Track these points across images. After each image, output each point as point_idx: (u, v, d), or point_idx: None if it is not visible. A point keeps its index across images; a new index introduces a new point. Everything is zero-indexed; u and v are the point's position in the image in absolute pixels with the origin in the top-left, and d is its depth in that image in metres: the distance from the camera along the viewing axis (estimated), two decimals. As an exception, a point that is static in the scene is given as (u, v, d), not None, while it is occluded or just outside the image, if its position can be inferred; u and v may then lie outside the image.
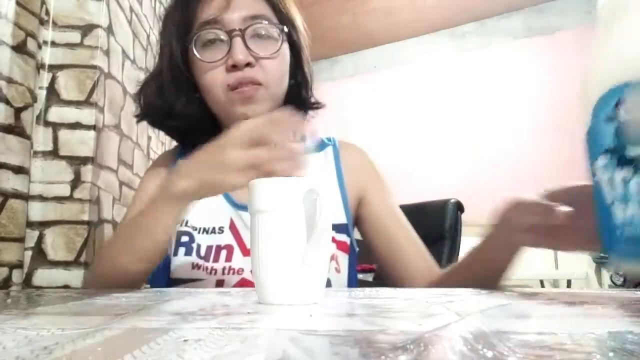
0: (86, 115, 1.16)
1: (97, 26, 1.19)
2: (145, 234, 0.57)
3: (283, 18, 0.72)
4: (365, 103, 4.19)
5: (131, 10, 1.42)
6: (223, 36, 0.67)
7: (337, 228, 0.74)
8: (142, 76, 1.54)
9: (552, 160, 3.73)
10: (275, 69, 0.69)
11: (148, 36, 1.61)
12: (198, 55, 0.68)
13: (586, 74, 0.37)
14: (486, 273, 0.60)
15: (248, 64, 0.66)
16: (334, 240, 0.73)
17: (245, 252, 0.70)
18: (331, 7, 3.54)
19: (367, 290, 0.53)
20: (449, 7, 3.81)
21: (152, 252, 0.58)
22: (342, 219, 0.75)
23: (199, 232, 0.73)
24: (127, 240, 0.60)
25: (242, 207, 0.73)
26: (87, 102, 1.16)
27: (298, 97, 0.77)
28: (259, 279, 0.42)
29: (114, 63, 1.28)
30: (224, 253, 0.71)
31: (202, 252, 0.71)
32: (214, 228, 0.73)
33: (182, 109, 0.73)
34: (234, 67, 0.66)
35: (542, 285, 3.38)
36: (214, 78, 0.68)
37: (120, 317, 0.32)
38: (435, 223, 1.65)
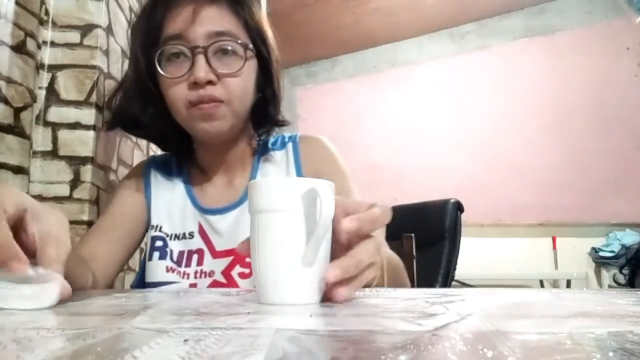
0: (86, 115, 1.16)
1: (97, 26, 1.18)
2: None
3: (252, 33, 0.71)
4: (365, 103, 4.19)
5: (131, 10, 1.42)
6: (186, 52, 0.66)
7: None
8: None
9: (551, 160, 3.73)
10: (237, 87, 0.68)
11: (148, 36, 1.61)
12: (161, 71, 0.67)
13: None
14: None
15: (210, 82, 0.66)
16: None
17: (215, 254, 0.72)
18: (331, 7, 3.54)
19: (367, 290, 0.53)
20: (449, 7, 3.81)
21: None
22: None
23: (170, 238, 0.75)
24: None
25: (209, 211, 0.75)
26: (86, 102, 1.15)
27: (264, 112, 0.77)
28: (258, 279, 0.41)
29: (113, 63, 1.28)
30: (195, 257, 0.73)
31: (175, 257, 0.73)
32: (184, 233, 0.75)
33: (149, 120, 0.74)
34: (196, 84, 0.65)
35: (542, 285, 3.38)
36: (176, 94, 0.67)
37: (120, 317, 0.32)
38: (435, 223, 1.65)
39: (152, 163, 0.84)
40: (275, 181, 0.43)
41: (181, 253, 0.73)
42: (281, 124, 0.80)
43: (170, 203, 0.78)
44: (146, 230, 0.79)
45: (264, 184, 0.42)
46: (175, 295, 0.50)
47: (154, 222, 0.77)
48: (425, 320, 0.29)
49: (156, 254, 0.73)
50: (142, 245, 0.84)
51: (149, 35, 0.68)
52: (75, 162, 1.13)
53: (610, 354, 0.21)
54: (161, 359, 0.21)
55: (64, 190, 1.12)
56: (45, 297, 0.39)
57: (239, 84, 0.68)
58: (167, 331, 0.26)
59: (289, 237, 0.40)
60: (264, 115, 0.77)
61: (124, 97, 0.75)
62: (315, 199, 0.39)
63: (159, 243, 0.74)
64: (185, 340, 0.24)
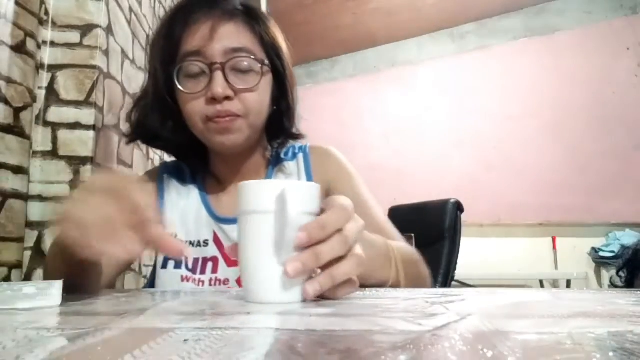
0: (85, 115, 1.16)
1: (97, 26, 1.18)
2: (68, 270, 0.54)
3: (267, 48, 0.73)
4: (365, 103, 4.19)
5: (130, 10, 1.42)
6: (204, 68, 0.68)
7: None
8: (141, 76, 1.54)
9: (551, 160, 3.74)
10: (254, 102, 0.70)
11: (147, 36, 1.61)
12: (180, 87, 0.69)
13: None
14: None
15: (227, 97, 0.67)
16: None
17: (230, 263, 0.73)
18: (331, 7, 3.54)
19: (367, 290, 0.53)
20: (449, 7, 3.81)
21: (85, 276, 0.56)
22: None
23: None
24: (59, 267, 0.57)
25: (224, 220, 0.76)
26: (86, 102, 1.15)
27: (279, 125, 0.78)
28: (243, 278, 0.43)
29: (113, 63, 1.28)
30: (210, 265, 0.74)
31: (190, 264, 0.74)
32: (199, 241, 0.75)
33: (169, 133, 0.75)
34: (214, 100, 0.67)
35: (542, 285, 3.38)
36: (194, 109, 0.69)
37: (120, 317, 0.32)
38: (435, 223, 1.66)
39: (165, 169, 0.85)
40: (252, 184, 0.43)
41: (196, 260, 0.74)
42: (296, 137, 0.82)
43: (185, 210, 0.79)
44: None
45: (243, 186, 0.42)
46: (175, 295, 0.50)
47: (169, 230, 0.77)
48: (425, 320, 0.29)
49: (171, 263, 0.74)
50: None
51: (168, 52, 0.70)
52: (75, 162, 1.13)
53: (610, 354, 0.21)
54: (161, 359, 0.21)
55: (64, 190, 1.12)
56: (47, 296, 0.39)
57: (255, 98, 0.70)
58: (167, 331, 0.26)
59: (263, 238, 0.40)
60: (279, 127, 0.79)
61: (144, 112, 0.76)
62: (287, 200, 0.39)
63: None
64: (185, 340, 0.24)
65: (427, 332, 0.26)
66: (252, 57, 0.69)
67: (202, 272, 0.73)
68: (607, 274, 3.43)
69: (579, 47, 3.84)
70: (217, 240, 0.75)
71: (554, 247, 3.64)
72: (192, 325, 0.29)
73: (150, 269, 0.90)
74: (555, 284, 3.52)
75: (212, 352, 0.21)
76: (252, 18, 0.72)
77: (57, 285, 0.40)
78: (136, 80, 1.49)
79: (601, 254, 3.46)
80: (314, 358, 0.21)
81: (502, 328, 0.27)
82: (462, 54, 4.09)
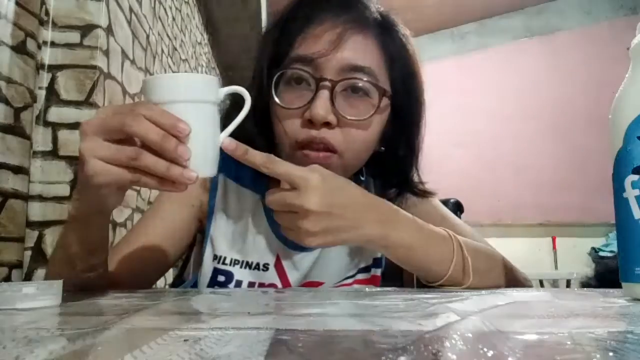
0: (86, 115, 1.16)
1: (97, 26, 1.18)
2: (81, 229, 0.50)
3: (396, 75, 0.60)
4: (365, 103, 4.19)
5: (131, 10, 1.42)
6: (311, 81, 0.55)
7: (375, 263, 0.69)
8: (141, 76, 1.54)
9: (550, 160, 3.74)
10: (359, 139, 0.56)
11: (147, 36, 1.61)
12: (275, 98, 0.56)
13: (618, 102, 0.43)
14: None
15: (327, 124, 0.54)
16: (371, 278, 0.69)
17: None
18: (331, 7, 3.54)
19: (367, 290, 0.53)
20: (449, 8, 3.81)
21: (95, 243, 0.52)
22: (377, 253, 0.69)
23: (241, 267, 0.65)
24: (70, 239, 0.52)
25: (293, 245, 0.64)
26: (86, 102, 1.15)
27: (396, 172, 0.66)
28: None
29: (113, 63, 1.28)
30: None
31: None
32: (258, 264, 0.65)
33: (263, 147, 0.56)
34: (310, 123, 0.54)
35: (542, 285, 3.38)
36: (285, 128, 0.56)
37: (120, 317, 0.32)
38: (435, 223, 1.66)
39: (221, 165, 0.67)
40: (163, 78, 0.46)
41: (251, 284, 0.64)
42: (422, 193, 0.68)
43: (244, 221, 0.66)
44: (194, 237, 0.69)
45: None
46: (176, 295, 0.50)
47: (218, 251, 0.65)
48: (425, 320, 0.29)
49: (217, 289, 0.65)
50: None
51: (278, 50, 0.58)
52: (75, 162, 1.13)
53: (610, 354, 0.21)
54: (161, 359, 0.21)
55: (64, 190, 1.12)
56: (47, 296, 0.39)
57: (361, 136, 0.56)
58: (167, 331, 0.26)
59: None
60: (395, 175, 0.67)
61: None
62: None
63: (221, 278, 0.65)
64: (185, 340, 0.24)
65: (427, 332, 0.26)
66: (374, 82, 0.56)
67: None
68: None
69: (579, 47, 3.84)
70: (279, 266, 0.64)
71: (554, 247, 3.64)
72: (192, 325, 0.29)
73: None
74: (555, 284, 3.52)
75: (212, 352, 0.21)
76: (386, 33, 0.60)
77: (57, 285, 0.40)
78: (136, 80, 1.49)
79: (601, 254, 3.46)
80: (314, 358, 0.21)
81: (502, 328, 0.27)
82: (462, 54, 4.09)
